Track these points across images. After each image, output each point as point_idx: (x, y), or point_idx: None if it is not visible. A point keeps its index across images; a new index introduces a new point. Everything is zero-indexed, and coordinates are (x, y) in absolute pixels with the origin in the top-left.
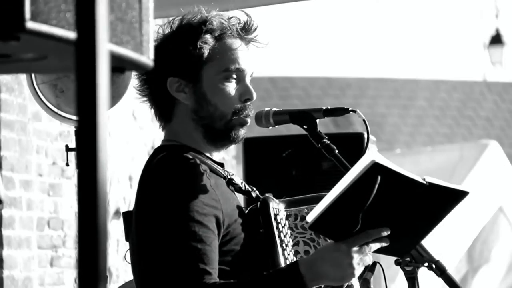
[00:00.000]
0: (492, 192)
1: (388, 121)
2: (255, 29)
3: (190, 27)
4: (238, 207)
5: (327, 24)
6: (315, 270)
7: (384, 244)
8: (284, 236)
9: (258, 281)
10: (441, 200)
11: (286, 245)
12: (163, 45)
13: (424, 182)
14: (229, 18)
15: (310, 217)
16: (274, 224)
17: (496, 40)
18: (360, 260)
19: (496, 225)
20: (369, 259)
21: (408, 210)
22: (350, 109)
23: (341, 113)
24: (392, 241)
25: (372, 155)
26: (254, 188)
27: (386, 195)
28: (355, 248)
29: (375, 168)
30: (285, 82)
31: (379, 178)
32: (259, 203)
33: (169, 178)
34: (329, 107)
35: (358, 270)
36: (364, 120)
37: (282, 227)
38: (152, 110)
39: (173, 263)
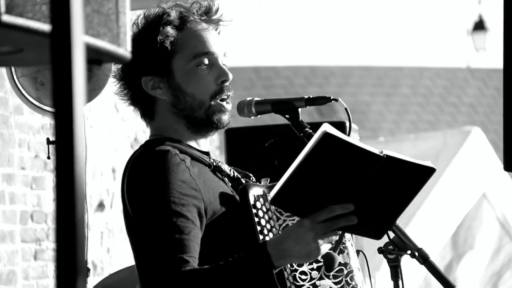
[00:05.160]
0: (475, 178)
1: (372, 109)
2: (217, 9)
3: (150, 23)
4: (226, 194)
5: (311, 13)
6: (281, 248)
7: (353, 222)
8: (267, 222)
9: (229, 264)
10: (406, 176)
11: (269, 231)
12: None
13: (381, 154)
14: (191, 5)
15: (272, 193)
16: (254, 211)
17: (479, 26)
18: (324, 235)
19: (480, 212)
20: (335, 235)
21: (373, 187)
22: (332, 97)
23: (323, 102)
24: (362, 220)
25: (324, 126)
26: (251, 174)
27: (345, 169)
28: (319, 224)
29: (327, 138)
30: (269, 72)
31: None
32: (239, 191)
33: (146, 172)
34: (311, 96)
35: (324, 246)
36: (346, 109)
37: (264, 213)
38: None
39: (152, 255)
